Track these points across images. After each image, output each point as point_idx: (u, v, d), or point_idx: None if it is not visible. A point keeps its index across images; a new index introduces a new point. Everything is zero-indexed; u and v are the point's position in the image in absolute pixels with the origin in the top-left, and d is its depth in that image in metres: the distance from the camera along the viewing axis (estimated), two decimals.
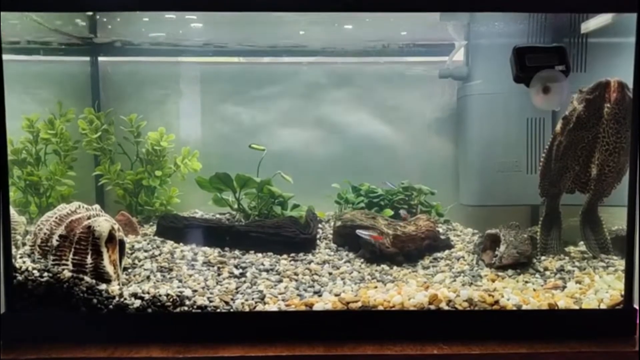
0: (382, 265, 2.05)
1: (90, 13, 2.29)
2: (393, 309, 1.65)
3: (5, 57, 1.59)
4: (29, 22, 2.26)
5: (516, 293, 1.72)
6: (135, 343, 1.56)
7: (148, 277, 1.83)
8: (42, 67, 2.76)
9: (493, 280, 1.87)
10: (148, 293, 1.64)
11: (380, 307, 1.65)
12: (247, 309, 1.64)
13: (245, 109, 2.81)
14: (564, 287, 1.80)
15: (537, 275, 1.93)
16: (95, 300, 1.61)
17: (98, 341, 1.57)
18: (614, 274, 1.91)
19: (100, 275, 1.67)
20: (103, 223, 1.73)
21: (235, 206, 2.52)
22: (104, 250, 1.71)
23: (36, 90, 2.70)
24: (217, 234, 2.21)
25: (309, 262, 2.05)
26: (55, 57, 2.75)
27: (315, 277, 1.90)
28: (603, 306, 1.68)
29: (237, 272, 1.92)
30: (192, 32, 2.54)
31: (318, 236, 2.33)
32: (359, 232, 2.09)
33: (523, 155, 2.43)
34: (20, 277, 1.61)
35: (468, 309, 1.65)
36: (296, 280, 1.86)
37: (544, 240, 2.16)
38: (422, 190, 2.59)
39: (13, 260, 1.63)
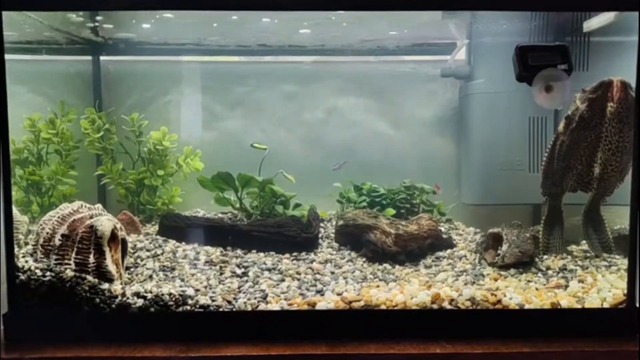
0: (384, 265, 2.05)
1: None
2: (395, 308, 1.65)
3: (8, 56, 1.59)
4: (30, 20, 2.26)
5: (519, 292, 1.72)
6: (137, 342, 1.56)
7: (150, 277, 1.83)
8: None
9: (495, 280, 1.87)
10: (150, 292, 1.64)
11: (383, 306, 1.65)
12: (249, 308, 1.64)
13: (247, 108, 2.81)
14: (567, 286, 1.80)
15: (539, 274, 1.93)
16: (97, 300, 1.62)
17: (101, 340, 1.57)
18: (616, 273, 1.90)
19: (103, 275, 1.67)
20: (105, 222, 1.73)
21: (237, 205, 2.52)
22: (107, 249, 1.71)
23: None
24: (219, 233, 2.21)
25: (311, 261, 2.05)
26: (58, 57, 2.76)
27: (318, 276, 1.90)
28: (606, 305, 1.68)
29: (239, 271, 1.92)
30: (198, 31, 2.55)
31: (320, 235, 2.33)
32: None
33: (525, 154, 2.43)
34: (22, 277, 1.62)
35: (471, 308, 1.65)
36: (298, 280, 1.86)
37: (546, 240, 2.16)
38: (424, 189, 2.59)
39: (16, 260, 1.64)
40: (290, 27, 2.47)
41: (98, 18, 2.32)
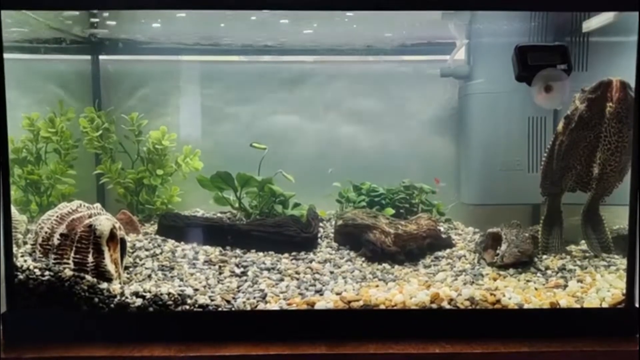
0: (384, 264, 2.05)
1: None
2: (395, 307, 1.65)
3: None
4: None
5: (518, 292, 1.72)
6: (136, 342, 1.56)
7: (149, 276, 1.83)
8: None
9: (495, 279, 1.87)
10: (149, 292, 1.64)
11: (382, 306, 1.65)
12: (248, 307, 1.64)
13: (246, 107, 2.80)
14: (566, 286, 1.80)
15: (538, 274, 1.93)
16: (96, 299, 1.61)
17: (100, 340, 1.57)
18: (615, 272, 1.90)
19: (102, 274, 1.67)
20: (104, 222, 1.73)
21: (237, 205, 2.51)
22: (105, 249, 1.71)
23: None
24: (218, 233, 2.21)
25: (311, 261, 2.05)
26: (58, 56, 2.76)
27: (317, 276, 1.90)
28: (605, 305, 1.68)
29: (238, 270, 1.92)
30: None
31: (319, 235, 2.33)
32: None
33: (524, 154, 2.43)
34: (21, 276, 1.61)
35: (470, 307, 1.65)
36: (297, 279, 1.86)
37: (545, 239, 2.16)
38: (423, 189, 2.59)
39: (14, 259, 1.63)
40: (290, 25, 2.47)
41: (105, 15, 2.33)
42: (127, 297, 1.62)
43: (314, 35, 2.61)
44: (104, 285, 1.64)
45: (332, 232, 2.35)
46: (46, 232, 1.71)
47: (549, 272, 1.94)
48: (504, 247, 2.01)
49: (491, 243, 2.10)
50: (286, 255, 2.10)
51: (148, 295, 1.63)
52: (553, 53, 1.94)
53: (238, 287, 1.78)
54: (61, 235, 1.69)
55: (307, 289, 1.76)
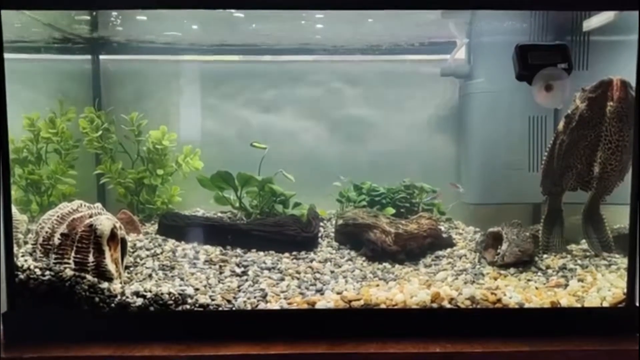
0: (384, 264, 2.05)
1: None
2: (395, 307, 1.65)
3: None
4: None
5: (518, 291, 1.72)
6: (137, 341, 1.56)
7: (150, 276, 1.83)
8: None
9: (495, 279, 1.87)
10: (150, 291, 1.64)
11: (383, 305, 1.65)
12: (249, 307, 1.64)
13: (247, 107, 2.80)
14: (566, 285, 1.80)
15: (539, 273, 1.93)
16: (97, 299, 1.61)
17: (100, 339, 1.57)
18: (616, 272, 1.90)
19: (102, 274, 1.67)
20: (105, 221, 1.73)
21: (237, 205, 2.51)
22: (106, 248, 1.71)
23: None
24: (218, 233, 2.21)
25: (311, 261, 2.05)
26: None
27: (317, 275, 1.90)
28: (605, 304, 1.68)
29: (239, 270, 1.92)
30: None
31: (320, 234, 2.33)
32: None
33: (525, 154, 2.43)
34: (22, 276, 1.61)
35: (470, 307, 1.65)
36: (298, 279, 1.86)
37: (546, 239, 2.16)
38: (423, 188, 2.59)
39: (15, 259, 1.63)
40: (290, 25, 2.46)
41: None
42: (127, 297, 1.62)
43: (315, 34, 2.61)
44: (105, 284, 1.64)
45: (332, 232, 2.35)
46: (47, 232, 1.71)
47: (549, 271, 1.94)
48: (504, 246, 2.00)
49: (492, 242, 2.10)
50: (287, 254, 2.10)
51: (149, 294, 1.63)
52: (553, 52, 1.93)
53: (239, 286, 1.78)
54: (62, 235, 1.69)
55: (307, 289, 1.76)
